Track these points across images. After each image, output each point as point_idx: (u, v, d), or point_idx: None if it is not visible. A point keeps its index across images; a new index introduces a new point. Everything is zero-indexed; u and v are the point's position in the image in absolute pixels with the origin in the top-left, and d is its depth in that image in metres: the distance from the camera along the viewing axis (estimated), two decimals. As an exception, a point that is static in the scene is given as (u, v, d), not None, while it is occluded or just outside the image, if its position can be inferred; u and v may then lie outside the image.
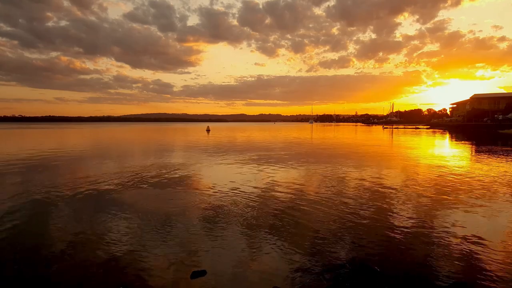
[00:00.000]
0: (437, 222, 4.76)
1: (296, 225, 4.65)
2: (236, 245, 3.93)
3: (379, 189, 6.99)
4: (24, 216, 5.16)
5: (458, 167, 10.05)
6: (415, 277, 3.18)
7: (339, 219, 4.91)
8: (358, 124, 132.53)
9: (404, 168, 10.05)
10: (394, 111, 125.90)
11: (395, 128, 62.19)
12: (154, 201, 6.04)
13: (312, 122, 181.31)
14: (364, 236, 4.20)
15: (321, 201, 5.93)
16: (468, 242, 3.99)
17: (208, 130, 43.90)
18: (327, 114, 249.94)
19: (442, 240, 4.05)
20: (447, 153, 14.65)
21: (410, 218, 4.95)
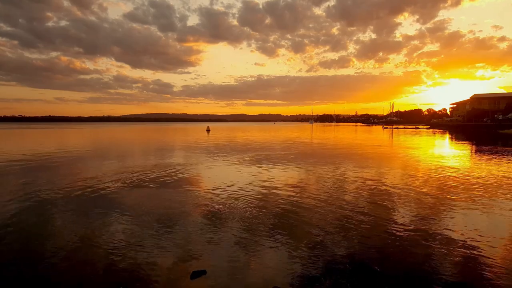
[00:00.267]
0: (437, 222, 4.76)
1: (296, 225, 4.65)
2: (236, 245, 3.93)
3: (379, 189, 6.99)
4: (24, 216, 5.16)
5: (458, 167, 10.05)
6: (415, 277, 3.18)
7: (339, 219, 4.91)
8: (358, 124, 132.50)
9: (404, 168, 10.05)
10: (394, 111, 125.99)
11: (395, 128, 62.20)
12: (154, 201, 6.04)
13: (312, 122, 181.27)
14: (364, 236, 4.20)
15: (321, 201, 5.93)
16: (468, 242, 3.99)
17: (208, 130, 43.93)
18: (327, 114, 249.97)
19: (442, 240, 4.05)
20: (447, 153, 14.65)
21: (410, 218, 4.95)
